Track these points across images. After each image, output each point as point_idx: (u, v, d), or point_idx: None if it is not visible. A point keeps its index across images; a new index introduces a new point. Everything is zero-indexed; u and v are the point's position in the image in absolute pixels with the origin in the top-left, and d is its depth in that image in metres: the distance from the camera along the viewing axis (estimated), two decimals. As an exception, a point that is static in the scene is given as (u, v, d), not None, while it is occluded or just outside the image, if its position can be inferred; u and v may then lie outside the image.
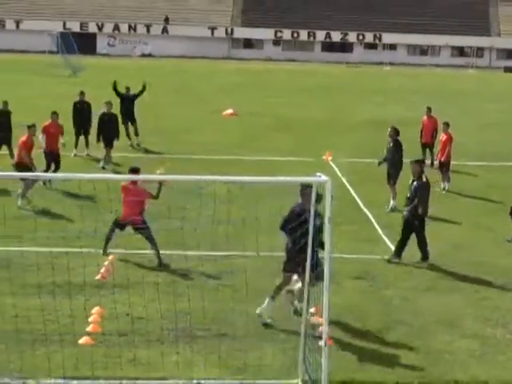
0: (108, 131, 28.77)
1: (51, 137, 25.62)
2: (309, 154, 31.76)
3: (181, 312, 15.07)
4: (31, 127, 24.08)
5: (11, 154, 27.25)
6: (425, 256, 19.18)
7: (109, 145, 28.75)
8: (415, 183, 19.27)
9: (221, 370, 13.23)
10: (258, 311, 15.07)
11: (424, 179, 19.32)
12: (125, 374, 12.91)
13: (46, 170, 24.93)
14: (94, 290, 16.13)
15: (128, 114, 32.43)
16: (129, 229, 18.92)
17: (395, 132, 24.14)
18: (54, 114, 26.08)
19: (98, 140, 28.99)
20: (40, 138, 25.42)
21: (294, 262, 14.70)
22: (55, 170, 25.10)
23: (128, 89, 33.42)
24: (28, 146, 23.71)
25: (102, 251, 18.71)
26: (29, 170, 22.91)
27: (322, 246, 13.11)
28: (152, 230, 18.59)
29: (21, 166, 23.26)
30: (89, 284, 16.60)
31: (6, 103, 28.76)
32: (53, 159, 25.55)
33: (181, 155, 30.61)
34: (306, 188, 14.32)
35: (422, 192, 19.09)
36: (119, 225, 19.01)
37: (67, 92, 36.29)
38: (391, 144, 24.10)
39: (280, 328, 14.81)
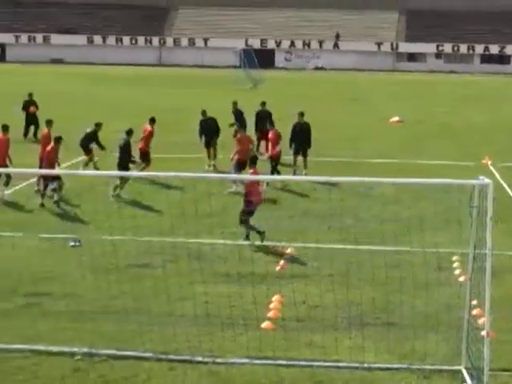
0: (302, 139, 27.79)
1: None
2: (469, 158, 31.09)
3: (353, 302, 15.03)
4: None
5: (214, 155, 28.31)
6: None
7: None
8: None
9: (389, 355, 13.10)
10: None
11: None
12: (302, 356, 12.97)
13: None
14: (275, 280, 16.27)
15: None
16: (307, 224, 18.95)
17: None
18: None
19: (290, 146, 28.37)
20: None
21: None
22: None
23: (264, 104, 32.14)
24: None
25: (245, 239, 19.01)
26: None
27: None
28: (325, 226, 18.59)
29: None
30: (270, 274, 16.78)
31: (205, 112, 29.16)
32: None
33: (351, 159, 30.49)
34: None
35: None
36: (252, 212, 19.20)
37: (248, 103, 36.74)
38: None
39: (443, 319, 14.56)
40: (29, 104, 34.78)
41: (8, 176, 22.94)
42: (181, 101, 34.67)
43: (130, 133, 24.70)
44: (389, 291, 15.14)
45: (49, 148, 23.04)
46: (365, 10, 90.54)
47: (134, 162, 24.76)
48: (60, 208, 22.22)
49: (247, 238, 19.21)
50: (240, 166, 24.11)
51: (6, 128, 23.73)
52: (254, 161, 19.92)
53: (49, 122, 25.80)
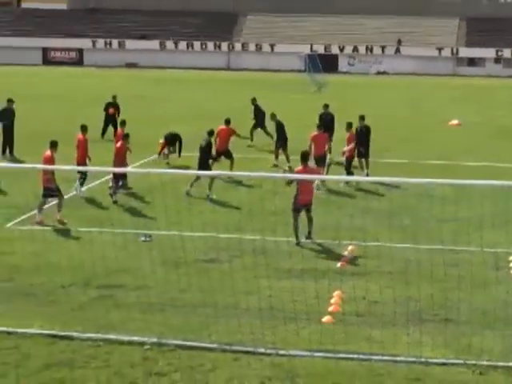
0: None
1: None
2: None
3: (411, 298, 14.90)
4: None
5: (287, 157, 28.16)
6: None
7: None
8: None
9: (446, 350, 12.94)
10: None
11: None
12: (361, 350, 12.88)
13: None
14: (336, 276, 16.21)
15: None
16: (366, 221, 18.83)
17: None
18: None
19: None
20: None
21: None
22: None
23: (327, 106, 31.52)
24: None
25: (295, 240, 18.75)
26: None
27: None
28: (385, 225, 18.44)
29: None
30: (331, 270, 16.72)
31: (274, 115, 29.44)
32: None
33: (413, 160, 30.17)
34: None
35: None
36: (297, 210, 18.99)
37: (313, 105, 36.65)
38: None
39: (500, 316, 14.33)
40: (110, 106, 35.00)
41: (84, 174, 23.28)
42: (248, 103, 34.77)
43: (211, 133, 24.99)
44: (447, 288, 14.97)
45: (118, 145, 23.36)
46: (426, 16, 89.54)
47: (216, 159, 25.33)
48: (128, 204, 22.49)
49: (309, 235, 19.11)
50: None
51: (84, 128, 24.09)
52: (305, 158, 19.70)
53: (122, 123, 26.16)
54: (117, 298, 15.01)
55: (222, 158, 26.53)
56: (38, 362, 12.29)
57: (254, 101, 34.26)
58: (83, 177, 23.37)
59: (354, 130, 26.47)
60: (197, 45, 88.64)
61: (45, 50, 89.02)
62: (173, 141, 28.86)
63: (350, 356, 12.63)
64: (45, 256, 16.88)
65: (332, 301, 14.97)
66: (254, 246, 17.75)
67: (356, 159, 26.47)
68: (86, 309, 14.45)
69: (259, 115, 33.49)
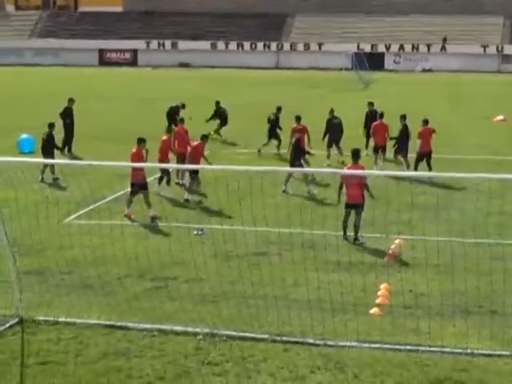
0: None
1: None
2: None
3: (457, 291, 14.75)
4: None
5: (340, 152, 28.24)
6: None
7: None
8: None
9: (492, 342, 12.79)
10: None
11: None
12: (408, 341, 12.78)
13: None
14: (383, 269, 16.11)
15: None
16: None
17: None
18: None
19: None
20: None
21: None
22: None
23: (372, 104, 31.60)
24: None
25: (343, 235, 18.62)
26: None
27: None
28: (432, 219, 18.25)
29: None
30: (379, 263, 16.62)
31: (332, 111, 29.31)
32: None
33: (457, 155, 29.85)
34: None
35: None
36: (347, 206, 18.82)
37: (360, 102, 36.42)
38: None
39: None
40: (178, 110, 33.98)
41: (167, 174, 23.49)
42: (299, 100, 34.69)
43: (300, 130, 25.49)
44: (493, 281, 14.77)
45: (196, 144, 23.71)
46: (471, 14, 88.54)
47: (309, 153, 25.34)
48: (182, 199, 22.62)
49: (354, 241, 18.82)
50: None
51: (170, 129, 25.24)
52: (356, 155, 19.55)
53: (181, 120, 26.52)
54: (170, 290, 15.09)
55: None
56: (96, 351, 12.42)
57: (217, 104, 34.73)
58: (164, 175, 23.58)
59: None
60: (246, 45, 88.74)
61: (101, 52, 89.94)
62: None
63: (397, 347, 12.55)
64: (101, 249, 17.04)
65: (379, 293, 14.88)
66: (303, 240, 17.72)
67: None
68: (141, 300, 14.54)
69: (222, 116, 34.33)
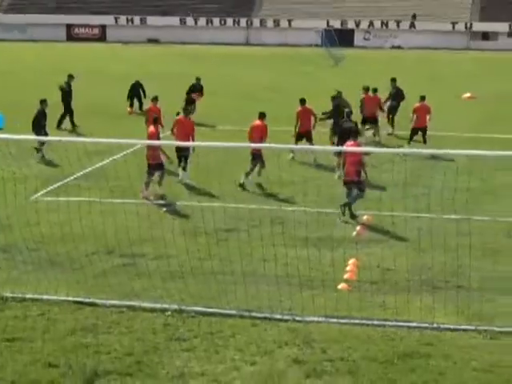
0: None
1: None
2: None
3: (424, 266, 14.88)
4: None
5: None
6: None
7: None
8: None
9: (458, 316, 12.92)
10: None
11: None
12: (375, 316, 12.89)
13: None
14: (351, 245, 16.17)
15: None
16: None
17: None
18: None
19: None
20: None
21: None
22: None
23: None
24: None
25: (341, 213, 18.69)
26: None
27: None
28: (399, 195, 18.36)
29: None
30: (347, 239, 16.70)
31: (339, 93, 28.03)
32: None
33: (428, 131, 29.92)
34: None
35: None
36: (344, 183, 18.98)
37: (332, 79, 36.42)
38: None
39: (510, 283, 14.28)
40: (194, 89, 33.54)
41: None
42: (272, 78, 34.51)
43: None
44: (459, 256, 14.91)
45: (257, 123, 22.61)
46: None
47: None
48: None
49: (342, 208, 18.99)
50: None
51: (187, 112, 23.28)
52: (355, 133, 19.79)
53: (154, 99, 26.15)
54: (139, 267, 15.07)
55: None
56: (63, 328, 12.39)
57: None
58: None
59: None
60: (216, 21, 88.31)
61: (68, 27, 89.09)
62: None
63: (365, 322, 12.65)
64: (69, 226, 16.94)
65: (347, 269, 14.97)
66: (271, 216, 17.75)
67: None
68: (109, 277, 14.51)
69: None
